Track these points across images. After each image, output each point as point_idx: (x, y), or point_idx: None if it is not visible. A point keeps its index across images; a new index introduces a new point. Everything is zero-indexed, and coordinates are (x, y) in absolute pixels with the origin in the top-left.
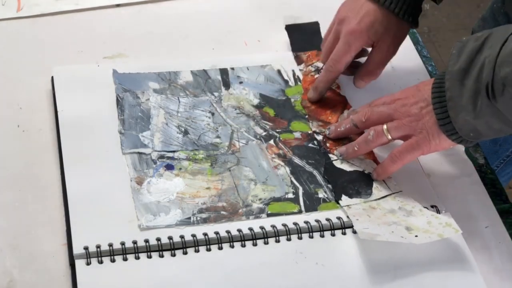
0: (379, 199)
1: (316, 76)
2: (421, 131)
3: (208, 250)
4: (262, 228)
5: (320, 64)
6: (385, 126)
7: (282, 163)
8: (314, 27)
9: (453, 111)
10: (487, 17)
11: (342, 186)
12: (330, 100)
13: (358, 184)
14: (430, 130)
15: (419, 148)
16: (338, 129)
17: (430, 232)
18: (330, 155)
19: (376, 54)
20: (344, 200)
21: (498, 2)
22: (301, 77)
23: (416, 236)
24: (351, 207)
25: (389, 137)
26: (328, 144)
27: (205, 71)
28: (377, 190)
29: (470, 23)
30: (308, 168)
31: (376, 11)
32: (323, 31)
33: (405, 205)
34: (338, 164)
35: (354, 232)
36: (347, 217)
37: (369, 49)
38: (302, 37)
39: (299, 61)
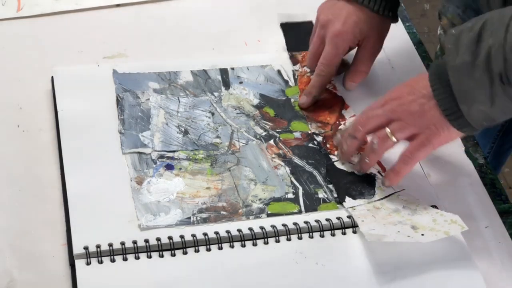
0: (382, 198)
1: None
2: (429, 126)
3: (208, 250)
4: (262, 228)
5: None
6: (387, 130)
7: (282, 163)
8: (308, 26)
9: (465, 105)
10: None
11: (345, 188)
12: (327, 101)
13: (361, 184)
14: (438, 124)
15: (430, 143)
16: (343, 150)
17: (436, 230)
18: (331, 156)
19: (363, 53)
20: (348, 201)
21: None
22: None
23: (422, 234)
24: (355, 208)
25: (394, 139)
26: (328, 145)
27: (205, 71)
28: (380, 189)
29: None
30: (308, 168)
31: (357, 11)
32: None
33: (409, 204)
34: (339, 165)
35: (354, 232)
36: (347, 217)
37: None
38: (297, 36)
39: (294, 61)
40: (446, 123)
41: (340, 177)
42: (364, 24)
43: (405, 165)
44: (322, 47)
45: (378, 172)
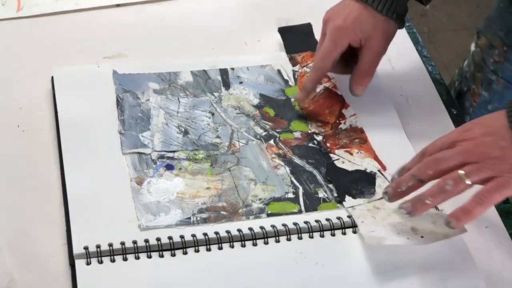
0: (382, 198)
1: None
2: (510, 171)
3: (208, 250)
4: (262, 228)
5: None
6: (461, 172)
7: (282, 163)
8: (307, 28)
9: None
10: (494, 17)
11: (345, 187)
12: (327, 100)
13: (361, 183)
14: None
15: (509, 187)
16: (399, 190)
17: (435, 232)
18: (331, 155)
19: (367, 54)
20: (348, 201)
21: (505, 1)
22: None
23: (422, 237)
24: (355, 208)
25: (469, 182)
26: (328, 144)
27: (205, 71)
28: (381, 188)
29: (470, 23)
30: (308, 168)
31: (361, 8)
32: (316, 32)
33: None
34: (339, 164)
35: (354, 232)
36: (348, 217)
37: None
38: (296, 38)
39: (294, 62)
40: None
41: (340, 176)
42: (366, 22)
43: (479, 205)
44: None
45: (378, 170)
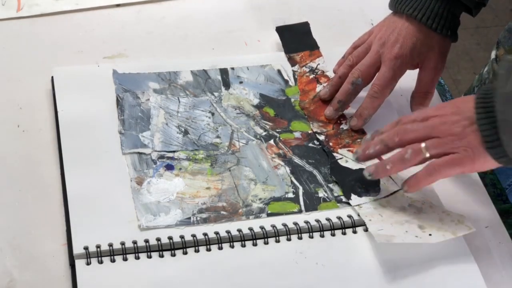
0: (388, 196)
1: (312, 76)
2: (466, 149)
3: (208, 250)
4: (262, 228)
5: (314, 64)
6: (423, 144)
7: (282, 163)
8: (304, 27)
9: (506, 135)
10: None
11: (350, 185)
12: (328, 101)
13: (366, 182)
14: (475, 149)
15: (461, 165)
16: (367, 152)
17: (443, 230)
18: (335, 154)
19: (426, 75)
20: (354, 199)
21: None
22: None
23: (430, 234)
24: (361, 206)
25: (427, 155)
26: (331, 144)
27: (205, 71)
28: (385, 186)
29: (470, 24)
30: (308, 167)
31: (416, 31)
32: (314, 31)
33: (414, 202)
34: (343, 162)
35: (355, 232)
36: (348, 216)
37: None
38: (294, 38)
39: (292, 62)
40: (484, 151)
41: (344, 175)
42: (422, 45)
43: (428, 176)
44: (372, 64)
45: None
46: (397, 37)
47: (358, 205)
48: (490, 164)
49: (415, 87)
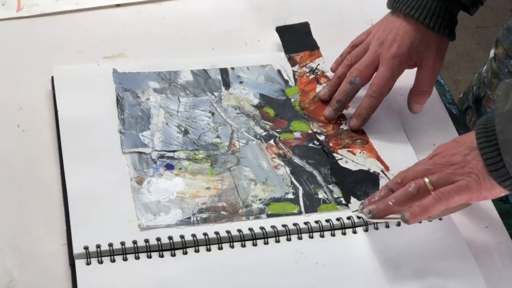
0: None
1: (312, 77)
2: (470, 174)
3: (208, 250)
4: (262, 228)
5: (314, 64)
6: (426, 179)
7: (282, 163)
8: (304, 27)
9: (508, 155)
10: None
11: (349, 187)
12: (328, 101)
13: (365, 184)
14: (479, 173)
15: (469, 190)
16: (373, 200)
17: (442, 212)
18: (335, 155)
19: (424, 73)
20: (354, 203)
21: None
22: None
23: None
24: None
25: (431, 187)
26: (331, 144)
27: (205, 70)
28: None
29: (470, 24)
30: (308, 168)
31: (413, 30)
32: (314, 31)
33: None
34: (343, 163)
35: (354, 232)
36: (347, 218)
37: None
38: (294, 38)
39: (292, 62)
40: (488, 175)
41: (344, 176)
42: (421, 44)
43: (436, 202)
44: (371, 63)
45: (382, 171)
46: (395, 37)
47: (357, 210)
48: (497, 190)
49: (413, 85)
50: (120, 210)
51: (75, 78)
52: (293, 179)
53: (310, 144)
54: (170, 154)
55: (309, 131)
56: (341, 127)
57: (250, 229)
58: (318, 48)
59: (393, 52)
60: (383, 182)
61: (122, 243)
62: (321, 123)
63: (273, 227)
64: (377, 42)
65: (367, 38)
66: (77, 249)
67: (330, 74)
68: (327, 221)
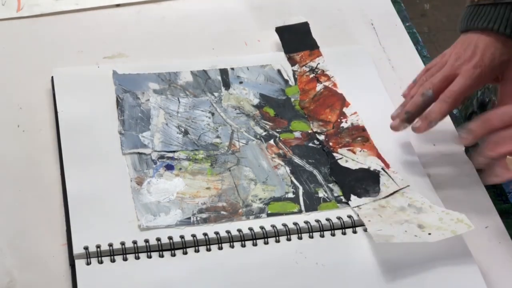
0: (387, 196)
1: (312, 76)
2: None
3: (208, 250)
4: (262, 228)
5: (314, 64)
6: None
7: (282, 163)
8: (304, 27)
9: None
10: None
11: (349, 186)
12: (328, 98)
13: (366, 182)
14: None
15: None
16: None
17: (443, 229)
18: (334, 154)
19: (508, 86)
20: (354, 200)
21: None
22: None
23: (429, 234)
24: (361, 207)
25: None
26: (331, 143)
27: (205, 71)
28: (385, 186)
29: None
30: (308, 167)
31: (493, 42)
32: (314, 31)
33: (414, 202)
34: (343, 163)
35: (355, 232)
36: (348, 216)
37: None
38: (294, 38)
39: (292, 62)
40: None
41: (344, 175)
42: (502, 55)
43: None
44: (446, 77)
45: (382, 169)
46: (474, 50)
47: (358, 206)
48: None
49: (498, 101)
50: (120, 211)
51: (75, 79)
52: (293, 179)
53: (310, 144)
54: (170, 155)
55: (309, 131)
56: (341, 125)
57: (250, 229)
58: (318, 47)
59: (474, 63)
60: (383, 179)
61: (122, 243)
62: (321, 123)
63: (273, 226)
64: (455, 57)
65: (442, 59)
66: (77, 249)
67: (330, 72)
68: (327, 220)
